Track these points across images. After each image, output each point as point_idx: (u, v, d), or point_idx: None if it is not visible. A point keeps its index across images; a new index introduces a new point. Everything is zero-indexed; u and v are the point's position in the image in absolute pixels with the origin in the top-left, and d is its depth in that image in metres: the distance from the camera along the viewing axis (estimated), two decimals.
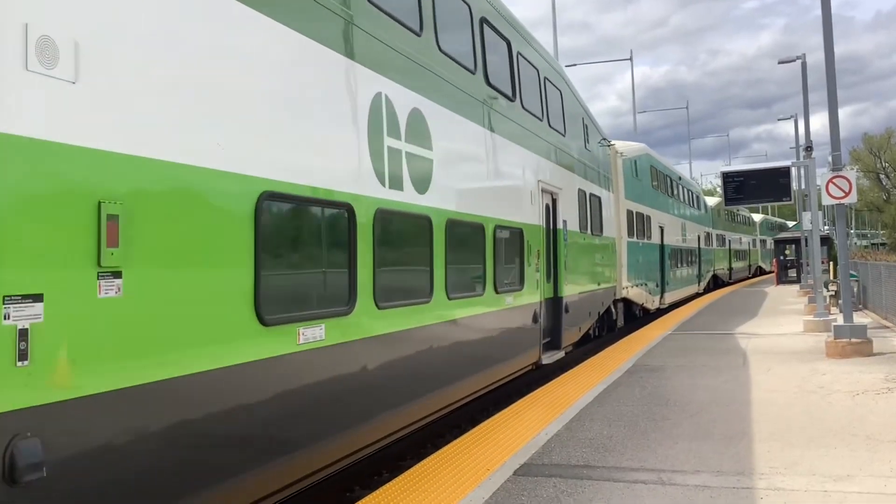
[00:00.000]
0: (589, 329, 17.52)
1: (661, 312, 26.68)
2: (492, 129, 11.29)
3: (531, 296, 12.69)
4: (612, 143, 21.87)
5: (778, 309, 27.10)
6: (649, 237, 25.70)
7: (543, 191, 13.71)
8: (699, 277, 37.36)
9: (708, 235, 41.36)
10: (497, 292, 10.97)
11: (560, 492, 6.56)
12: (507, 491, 6.62)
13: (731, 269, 51.28)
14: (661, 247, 27.76)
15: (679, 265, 31.58)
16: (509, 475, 7.07)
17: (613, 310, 20.49)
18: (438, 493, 6.58)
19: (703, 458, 7.44)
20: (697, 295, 36.05)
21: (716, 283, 44.39)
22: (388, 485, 6.91)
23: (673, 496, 6.34)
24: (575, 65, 58.03)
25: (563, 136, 15.65)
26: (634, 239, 23.32)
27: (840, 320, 15.20)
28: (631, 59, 49.08)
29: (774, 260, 49.82)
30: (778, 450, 7.69)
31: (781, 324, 21.24)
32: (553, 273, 14.31)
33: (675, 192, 32.65)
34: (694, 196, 38.86)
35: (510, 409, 10.24)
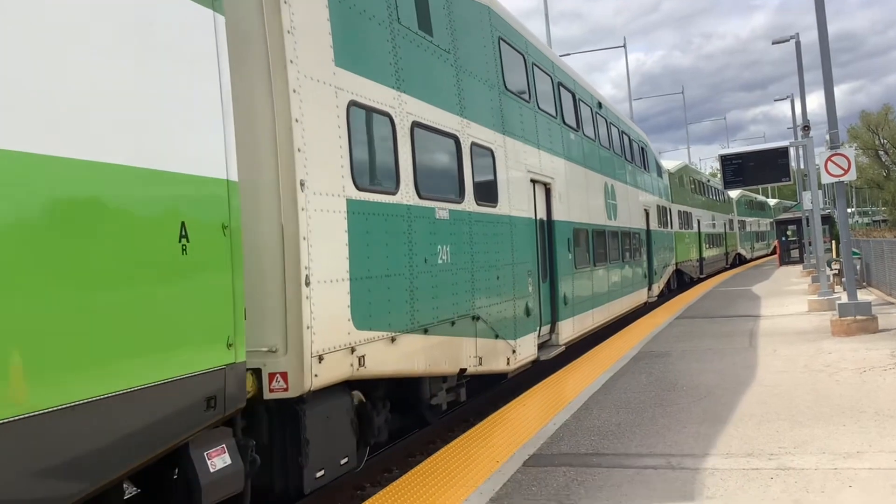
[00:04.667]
0: None
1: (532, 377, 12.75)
2: None
3: None
4: None
5: (782, 290, 27.06)
6: (493, 200, 10.91)
7: None
8: (649, 277, 23.74)
9: (664, 212, 27.80)
10: None
11: (570, 480, 6.56)
12: (517, 482, 6.62)
13: (701, 259, 36.99)
14: (544, 224, 13.44)
15: (598, 261, 17.02)
16: (519, 466, 7.07)
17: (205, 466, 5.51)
18: (449, 487, 6.58)
19: (712, 442, 7.43)
20: (647, 308, 23.22)
21: (680, 280, 31.91)
22: (398, 481, 6.91)
23: (683, 480, 6.34)
24: (569, 54, 57.81)
25: None
26: (423, 202, 8.79)
27: (844, 298, 15.18)
28: (625, 46, 49.12)
29: (776, 241, 50.01)
30: (787, 429, 7.68)
31: (786, 304, 21.21)
32: None
33: (584, 119, 17.30)
34: (638, 148, 24.16)
35: (517, 401, 10.24)
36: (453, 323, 9.29)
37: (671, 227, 29.16)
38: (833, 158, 15.16)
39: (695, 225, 35.70)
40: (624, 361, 12.86)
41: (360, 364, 7.24)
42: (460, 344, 9.51)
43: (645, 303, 22.92)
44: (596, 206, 17.34)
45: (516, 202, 11.82)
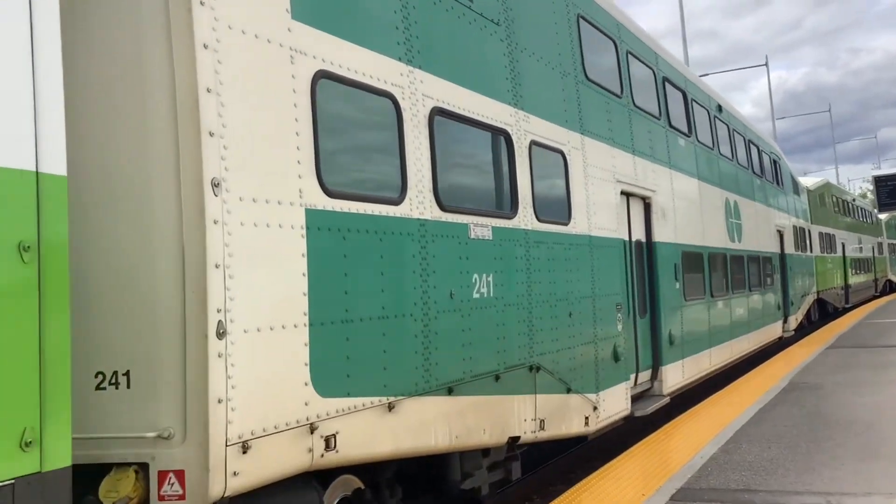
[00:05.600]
0: None
1: None
2: None
3: None
4: None
5: None
6: (564, 216, 8.81)
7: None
8: (784, 308, 20.93)
9: (802, 234, 24.99)
10: None
11: None
12: None
13: (847, 286, 33.62)
14: (642, 247, 11.47)
15: (717, 290, 14.68)
16: (666, 500, 6.92)
17: None
18: None
19: (872, 480, 7.05)
20: (782, 344, 20.38)
21: (823, 310, 28.35)
22: None
23: None
24: (707, 74, 56.12)
25: None
26: (448, 215, 6.56)
27: None
28: (766, 64, 47.53)
29: None
30: None
31: None
32: None
33: (699, 123, 14.96)
34: (769, 160, 21.66)
35: (661, 432, 10.02)
36: (498, 377, 7.00)
37: (811, 251, 26.22)
38: None
39: (839, 248, 32.67)
40: (773, 393, 12.35)
41: (327, 447, 4.94)
42: (509, 404, 7.20)
43: (780, 338, 20.35)
44: (713, 226, 14.80)
45: (599, 219, 9.50)
